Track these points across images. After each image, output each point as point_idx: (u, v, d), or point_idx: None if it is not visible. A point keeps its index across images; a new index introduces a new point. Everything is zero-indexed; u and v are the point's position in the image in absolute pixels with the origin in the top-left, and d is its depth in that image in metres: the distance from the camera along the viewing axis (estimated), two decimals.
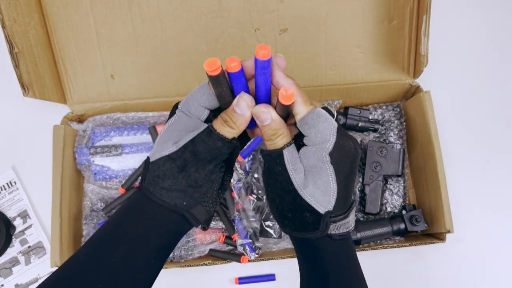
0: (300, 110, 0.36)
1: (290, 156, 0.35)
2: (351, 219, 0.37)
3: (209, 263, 0.61)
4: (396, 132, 0.69)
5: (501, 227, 0.70)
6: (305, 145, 0.36)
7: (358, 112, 0.67)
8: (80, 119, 0.71)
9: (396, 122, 0.69)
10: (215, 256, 0.65)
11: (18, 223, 0.71)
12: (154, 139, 0.67)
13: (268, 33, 0.64)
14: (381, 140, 0.69)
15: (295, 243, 0.39)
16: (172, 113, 0.39)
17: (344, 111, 0.68)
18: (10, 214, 0.71)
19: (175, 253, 0.66)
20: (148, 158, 0.38)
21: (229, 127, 0.36)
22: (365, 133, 0.69)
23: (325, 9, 0.63)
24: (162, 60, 0.65)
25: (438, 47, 0.73)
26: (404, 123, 0.69)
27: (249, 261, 0.63)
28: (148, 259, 0.36)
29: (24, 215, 0.71)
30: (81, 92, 0.67)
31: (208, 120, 0.38)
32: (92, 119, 0.69)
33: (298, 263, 0.40)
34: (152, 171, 0.36)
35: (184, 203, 0.36)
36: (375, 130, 0.67)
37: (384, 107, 0.70)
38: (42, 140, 0.71)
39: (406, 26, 0.63)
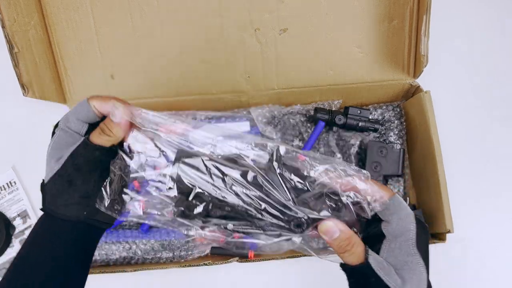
0: (382, 194, 0.37)
1: (376, 263, 0.35)
2: None
3: (209, 263, 0.61)
4: (396, 132, 0.69)
5: (501, 227, 0.70)
6: (383, 234, 0.36)
7: (358, 112, 0.67)
8: None
9: (396, 122, 0.69)
10: (219, 253, 0.65)
11: (18, 223, 0.71)
12: None
13: (268, 33, 0.64)
14: (381, 140, 0.69)
15: None
16: (53, 133, 0.41)
17: (344, 111, 0.68)
18: (10, 214, 0.71)
19: (175, 253, 0.66)
20: (43, 180, 0.40)
21: (106, 135, 0.38)
22: (365, 133, 0.69)
23: (325, 9, 0.63)
24: (162, 60, 0.65)
25: (438, 47, 0.73)
26: (404, 123, 0.69)
27: (254, 256, 0.63)
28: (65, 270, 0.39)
29: (24, 215, 0.71)
30: (81, 92, 0.67)
31: (88, 133, 0.40)
32: None
33: None
34: (48, 191, 0.39)
35: (85, 213, 0.39)
36: (375, 130, 0.67)
37: (384, 107, 0.70)
38: (42, 140, 0.71)
39: (406, 26, 0.63)
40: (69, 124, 0.39)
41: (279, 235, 0.39)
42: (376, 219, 0.38)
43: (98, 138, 0.39)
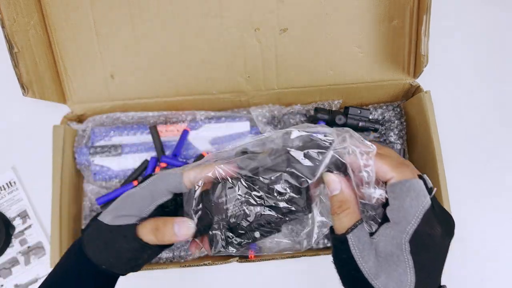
0: (391, 175, 0.33)
1: (356, 241, 0.32)
2: None
3: (209, 263, 0.61)
4: (397, 132, 0.69)
5: (501, 227, 0.70)
6: (387, 218, 0.33)
7: (359, 112, 0.67)
8: (80, 119, 0.71)
9: (396, 122, 0.69)
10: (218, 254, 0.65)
11: (17, 223, 0.71)
12: (154, 139, 0.67)
13: (268, 33, 0.64)
14: (381, 140, 0.69)
15: None
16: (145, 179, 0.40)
17: (344, 111, 0.68)
18: (9, 214, 0.71)
19: (175, 253, 0.66)
20: (100, 220, 0.38)
21: (154, 237, 0.37)
22: (365, 133, 0.69)
23: (325, 9, 0.63)
24: (162, 60, 0.65)
25: (438, 47, 0.73)
26: (405, 123, 0.69)
27: (254, 257, 0.63)
28: None
29: (23, 215, 0.71)
30: (81, 92, 0.67)
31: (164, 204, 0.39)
32: (91, 119, 0.69)
33: None
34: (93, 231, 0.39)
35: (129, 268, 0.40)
36: (375, 130, 0.67)
37: (384, 107, 0.70)
38: (41, 140, 0.71)
39: (406, 26, 0.63)
40: (156, 188, 0.38)
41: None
42: None
43: (147, 236, 0.38)
